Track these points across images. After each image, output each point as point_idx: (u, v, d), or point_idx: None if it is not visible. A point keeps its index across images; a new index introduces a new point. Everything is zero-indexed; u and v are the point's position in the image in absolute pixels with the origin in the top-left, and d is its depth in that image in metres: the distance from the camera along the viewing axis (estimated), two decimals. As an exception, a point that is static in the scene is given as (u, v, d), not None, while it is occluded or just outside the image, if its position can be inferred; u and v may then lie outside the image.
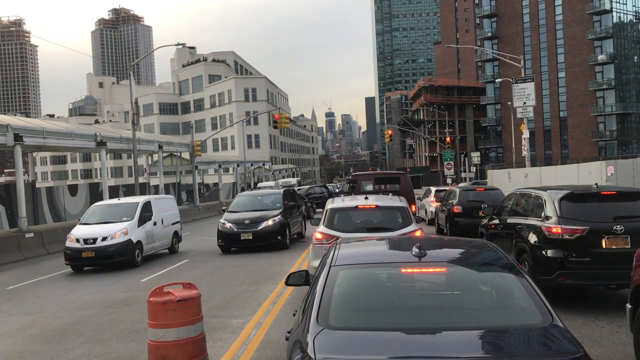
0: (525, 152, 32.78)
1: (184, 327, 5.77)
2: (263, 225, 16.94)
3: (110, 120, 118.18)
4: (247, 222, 17.03)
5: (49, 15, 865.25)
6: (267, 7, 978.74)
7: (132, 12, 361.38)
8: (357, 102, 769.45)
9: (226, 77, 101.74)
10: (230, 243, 17.15)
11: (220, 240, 17.26)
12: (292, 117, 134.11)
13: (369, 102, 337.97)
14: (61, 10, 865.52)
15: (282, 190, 19.70)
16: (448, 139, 69.85)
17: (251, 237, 16.77)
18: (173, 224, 18.20)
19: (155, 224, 16.62)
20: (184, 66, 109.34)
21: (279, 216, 17.32)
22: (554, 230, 8.31)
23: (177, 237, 18.46)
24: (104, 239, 14.75)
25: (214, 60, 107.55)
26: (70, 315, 9.86)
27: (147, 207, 16.40)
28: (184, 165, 46.74)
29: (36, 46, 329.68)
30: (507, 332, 3.33)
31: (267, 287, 11.34)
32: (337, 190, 37.88)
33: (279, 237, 17.01)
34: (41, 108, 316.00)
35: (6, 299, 11.94)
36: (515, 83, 32.67)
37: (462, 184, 39.72)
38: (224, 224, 17.35)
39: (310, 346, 3.16)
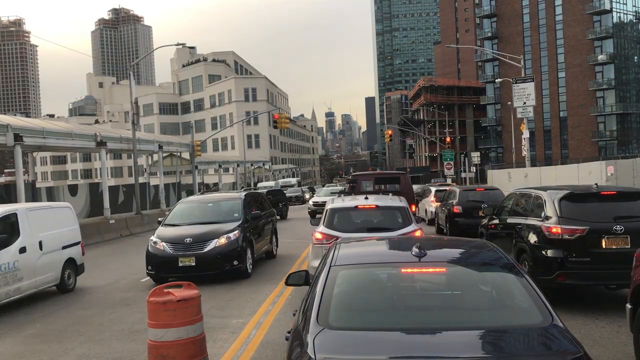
0: (525, 152, 32.80)
1: (184, 327, 5.78)
2: (212, 245, 11.97)
3: (110, 120, 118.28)
4: (188, 240, 12.00)
5: (49, 15, 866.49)
6: (268, 8, 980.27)
7: (132, 12, 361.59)
8: (357, 102, 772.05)
9: (226, 77, 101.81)
10: (163, 271, 11.95)
11: (149, 267, 12.17)
12: (292, 117, 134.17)
13: (369, 102, 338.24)
14: (61, 10, 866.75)
15: (243, 195, 14.41)
16: (448, 139, 69.86)
17: (194, 263, 11.69)
18: (65, 247, 11.99)
19: (23, 250, 10.56)
20: (184, 66, 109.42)
21: (237, 231, 12.42)
22: (554, 230, 8.32)
23: (73, 267, 12.29)
24: None
25: (214, 60, 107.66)
26: (70, 315, 9.86)
27: (6, 223, 10.42)
28: (184, 165, 46.77)
29: (36, 46, 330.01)
30: (507, 332, 3.33)
31: (267, 287, 11.33)
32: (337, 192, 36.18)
33: (236, 262, 12.11)
34: (41, 108, 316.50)
35: (6, 299, 11.94)
36: (515, 83, 32.70)
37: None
38: (155, 243, 12.25)
39: (310, 346, 3.16)
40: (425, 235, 9.67)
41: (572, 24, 71.23)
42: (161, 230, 12.87)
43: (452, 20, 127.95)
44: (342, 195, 18.28)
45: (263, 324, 8.36)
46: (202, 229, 12.49)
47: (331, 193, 33.43)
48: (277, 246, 16.32)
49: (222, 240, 12.13)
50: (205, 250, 11.93)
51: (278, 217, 17.95)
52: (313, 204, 33.37)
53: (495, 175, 39.15)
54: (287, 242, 19.40)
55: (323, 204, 30.52)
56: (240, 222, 12.90)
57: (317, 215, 30.40)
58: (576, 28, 70.81)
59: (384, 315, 3.72)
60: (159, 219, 14.57)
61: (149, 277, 12.48)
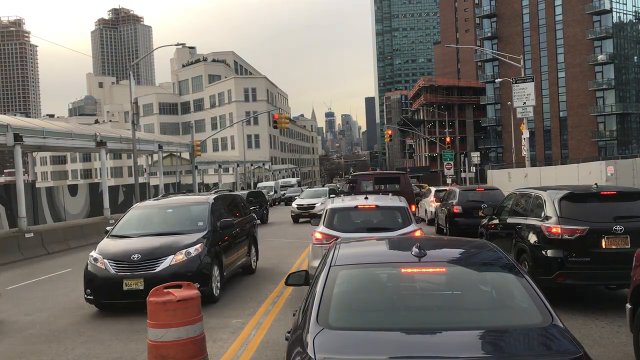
0: (525, 152, 32.81)
1: (183, 327, 5.78)
2: (166, 263, 9.52)
3: (110, 120, 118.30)
4: (135, 257, 9.55)
5: (49, 15, 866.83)
6: (268, 8, 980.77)
7: (132, 12, 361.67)
8: (357, 102, 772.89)
9: (226, 77, 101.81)
10: (104, 296, 9.67)
11: (87, 291, 9.78)
12: (292, 117, 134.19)
13: (369, 102, 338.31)
14: (61, 10, 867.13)
15: (210, 199, 11.62)
16: (448, 139, 69.86)
17: (142, 287, 9.15)
18: None
19: None
20: (183, 66, 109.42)
21: (199, 245, 9.93)
22: (554, 230, 8.32)
23: None
24: None
25: (213, 60, 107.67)
26: (70, 315, 9.85)
27: None
28: (184, 165, 46.80)
29: (36, 46, 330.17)
30: (507, 332, 3.33)
31: (267, 287, 11.33)
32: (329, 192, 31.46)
33: (197, 285, 8.54)
34: (41, 108, 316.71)
35: (6, 299, 11.93)
36: (515, 83, 32.71)
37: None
38: (95, 260, 9.88)
39: (310, 346, 3.16)
40: (425, 235, 9.67)
41: (572, 24, 71.23)
42: (105, 244, 10.38)
43: (452, 20, 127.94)
44: (342, 195, 18.19)
45: (263, 324, 8.36)
46: (155, 242, 9.97)
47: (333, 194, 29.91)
48: (257, 259, 13.65)
49: (180, 257, 9.62)
50: (157, 270, 9.41)
51: (258, 222, 15.33)
52: (297, 207, 29.36)
53: (495, 175, 39.17)
54: (286, 241, 19.41)
55: (308, 207, 29.40)
56: (205, 232, 10.41)
57: (301, 220, 28.36)
58: (576, 28, 70.81)
59: (384, 315, 3.72)
60: (107, 228, 11.65)
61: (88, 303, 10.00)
